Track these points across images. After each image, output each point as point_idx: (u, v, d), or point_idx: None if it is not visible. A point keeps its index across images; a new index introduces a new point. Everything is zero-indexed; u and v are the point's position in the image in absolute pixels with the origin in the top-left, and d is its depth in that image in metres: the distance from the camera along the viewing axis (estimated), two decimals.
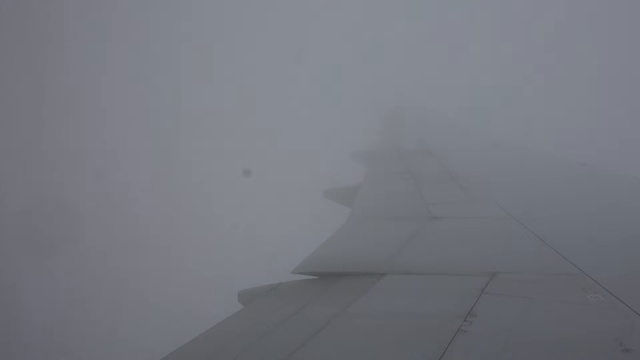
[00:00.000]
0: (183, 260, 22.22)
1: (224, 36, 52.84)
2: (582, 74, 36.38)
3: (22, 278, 20.98)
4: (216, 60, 49.45)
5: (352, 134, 20.78)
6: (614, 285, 3.74)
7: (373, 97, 34.19)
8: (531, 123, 29.20)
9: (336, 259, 5.06)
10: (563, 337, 3.08)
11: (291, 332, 3.46)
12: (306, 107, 38.71)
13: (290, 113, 38.22)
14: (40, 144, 33.25)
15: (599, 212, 6.69)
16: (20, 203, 25.74)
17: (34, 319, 18.49)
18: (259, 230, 22.94)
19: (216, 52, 50.14)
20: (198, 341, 3.48)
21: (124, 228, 25.36)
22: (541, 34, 42.34)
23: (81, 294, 19.82)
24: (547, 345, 2.99)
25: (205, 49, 49.42)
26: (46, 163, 31.13)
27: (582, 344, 2.99)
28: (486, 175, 9.78)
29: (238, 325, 3.79)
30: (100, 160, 30.23)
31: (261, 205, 25.91)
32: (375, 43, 50.52)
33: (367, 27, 53.19)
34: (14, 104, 35.79)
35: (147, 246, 23.27)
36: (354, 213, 7.19)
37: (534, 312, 3.49)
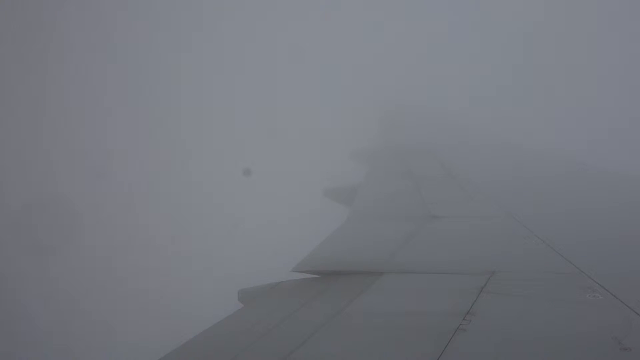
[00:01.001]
0: (183, 259, 22.22)
1: (223, 36, 52.86)
2: (582, 74, 36.39)
3: (22, 278, 20.98)
4: (216, 60, 49.47)
5: (352, 134, 20.80)
6: (612, 284, 3.75)
7: (373, 96, 34.21)
8: (531, 122, 29.19)
9: (336, 258, 5.07)
10: (562, 336, 3.09)
11: (291, 330, 3.47)
12: (306, 106, 38.71)
13: (290, 112, 38.23)
14: (40, 144, 33.27)
15: (597, 212, 6.71)
16: (20, 203, 25.74)
17: (34, 319, 18.50)
18: (259, 230, 22.93)
19: (216, 52, 50.17)
20: (198, 340, 3.49)
21: (123, 227, 25.35)
22: (541, 34, 42.35)
23: (81, 293, 19.82)
24: (546, 343, 3.00)
25: (205, 48, 49.44)
26: (46, 163, 31.14)
27: (580, 343, 2.99)
28: (485, 174, 9.80)
29: (238, 324, 3.80)
30: (100, 160, 30.22)
31: (261, 205, 25.91)
32: (375, 43, 50.53)
33: (367, 27, 53.21)
34: (14, 103, 35.82)
35: (146, 245, 23.26)
36: (354, 212, 7.20)
37: (533, 310, 3.50)
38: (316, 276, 4.61)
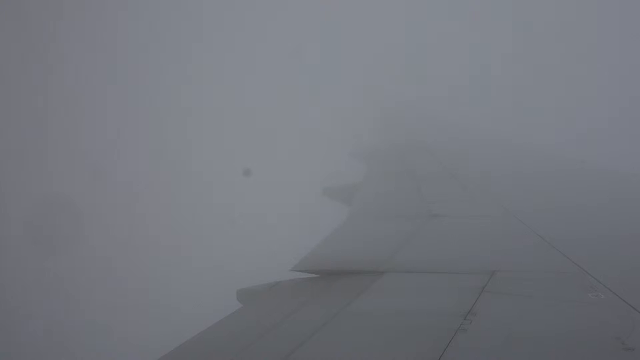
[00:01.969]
0: (182, 258, 22.23)
1: (223, 36, 52.87)
2: (582, 74, 36.37)
3: (22, 278, 20.98)
4: (216, 60, 49.47)
5: (352, 133, 20.77)
6: (614, 284, 3.72)
7: (373, 96, 34.19)
8: (531, 122, 29.19)
9: (335, 257, 5.04)
10: (564, 336, 3.05)
11: (291, 330, 3.45)
12: (306, 106, 38.72)
13: (290, 112, 38.24)
14: (40, 144, 33.26)
15: (599, 210, 6.67)
16: (19, 203, 25.74)
17: (34, 318, 18.49)
18: (258, 229, 22.94)
19: (216, 52, 50.17)
20: (197, 340, 3.47)
21: (123, 227, 25.37)
22: (540, 34, 42.32)
23: (81, 293, 19.81)
24: (547, 343, 2.97)
25: (205, 48, 49.44)
26: (46, 163, 31.14)
27: (583, 343, 2.96)
28: (486, 173, 9.76)
29: (237, 323, 3.78)
30: (100, 160, 30.23)
31: (260, 204, 25.91)
32: (374, 43, 50.53)
33: (367, 27, 53.19)
34: (14, 103, 35.80)
35: (146, 245, 23.28)
36: (354, 211, 7.18)
37: (534, 310, 3.47)
38: (316, 276, 4.58)
